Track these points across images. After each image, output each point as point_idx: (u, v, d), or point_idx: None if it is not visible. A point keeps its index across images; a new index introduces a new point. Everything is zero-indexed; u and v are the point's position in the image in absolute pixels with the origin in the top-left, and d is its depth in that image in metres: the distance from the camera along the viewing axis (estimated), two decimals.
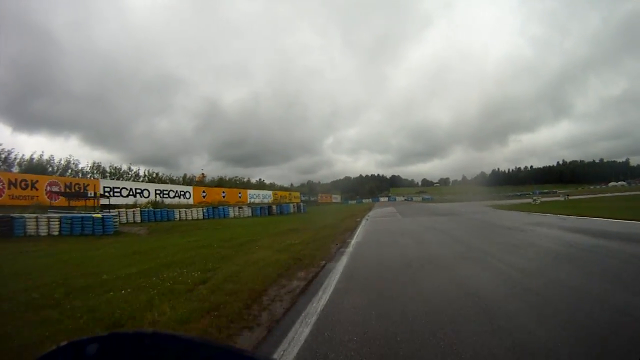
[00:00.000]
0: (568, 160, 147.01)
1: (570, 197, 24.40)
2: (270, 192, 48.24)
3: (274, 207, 27.78)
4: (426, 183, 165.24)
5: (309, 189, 79.36)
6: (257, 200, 41.63)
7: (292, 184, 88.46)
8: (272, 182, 62.28)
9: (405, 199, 68.89)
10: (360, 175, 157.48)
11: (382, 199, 74.53)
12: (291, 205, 28.58)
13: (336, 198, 70.42)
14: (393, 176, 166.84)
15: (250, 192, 43.35)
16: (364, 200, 74.20)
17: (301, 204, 29.37)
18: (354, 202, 72.94)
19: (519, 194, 64.03)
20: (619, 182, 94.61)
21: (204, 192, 34.66)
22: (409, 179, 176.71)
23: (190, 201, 31.57)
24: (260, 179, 59.78)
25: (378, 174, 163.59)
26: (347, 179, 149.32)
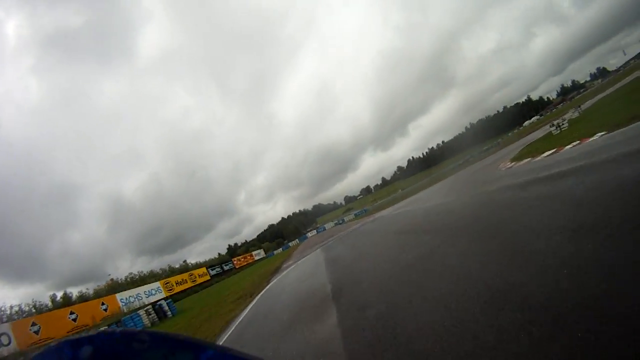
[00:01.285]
0: (474, 121, 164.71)
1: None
2: (157, 285, 34.15)
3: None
4: (349, 199, 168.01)
5: (229, 254, 78.53)
6: (137, 303, 27.70)
7: (219, 254, 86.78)
8: (198, 261, 60.25)
9: (337, 223, 60.97)
10: (282, 217, 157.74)
11: (310, 234, 65.03)
12: (142, 313, 16.26)
13: (259, 254, 58.55)
14: (315, 206, 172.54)
15: (122, 295, 28.86)
16: (290, 244, 63.68)
17: (164, 302, 17.13)
18: (280, 249, 61.73)
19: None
20: (533, 118, 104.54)
21: (33, 324, 19.56)
22: (331, 202, 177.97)
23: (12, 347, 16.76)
24: (185, 261, 57.15)
25: (300, 210, 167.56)
26: (271, 226, 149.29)
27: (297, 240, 67.64)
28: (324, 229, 64.56)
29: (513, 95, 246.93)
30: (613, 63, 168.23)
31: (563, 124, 19.72)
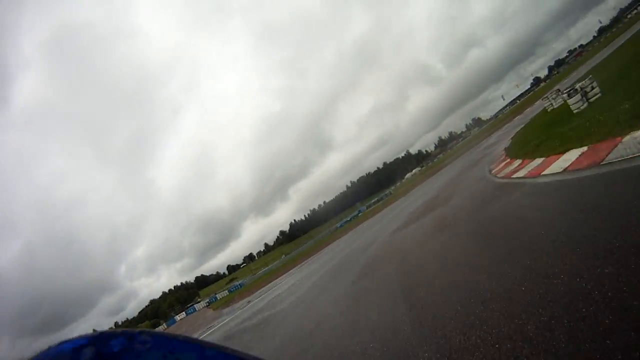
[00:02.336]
0: (355, 180, 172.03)
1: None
2: None
3: None
4: (232, 269, 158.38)
5: None
6: None
7: None
8: None
9: (208, 302, 46.07)
10: (163, 292, 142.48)
11: (178, 318, 46.58)
12: None
13: None
14: (197, 277, 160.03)
15: None
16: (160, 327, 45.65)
17: None
18: None
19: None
20: (414, 170, 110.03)
21: None
22: (214, 272, 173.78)
23: None
24: None
25: (182, 283, 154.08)
26: (153, 302, 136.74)
27: (165, 323, 50.69)
28: (194, 310, 49.69)
29: (392, 152, 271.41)
30: (484, 115, 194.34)
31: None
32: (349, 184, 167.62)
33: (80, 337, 0.41)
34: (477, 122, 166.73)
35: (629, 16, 78.93)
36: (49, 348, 0.40)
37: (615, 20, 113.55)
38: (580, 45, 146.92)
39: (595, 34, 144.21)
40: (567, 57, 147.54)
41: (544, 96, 23.66)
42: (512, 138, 17.90)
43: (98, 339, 0.41)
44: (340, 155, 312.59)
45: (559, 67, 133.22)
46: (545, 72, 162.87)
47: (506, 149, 14.49)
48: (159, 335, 0.43)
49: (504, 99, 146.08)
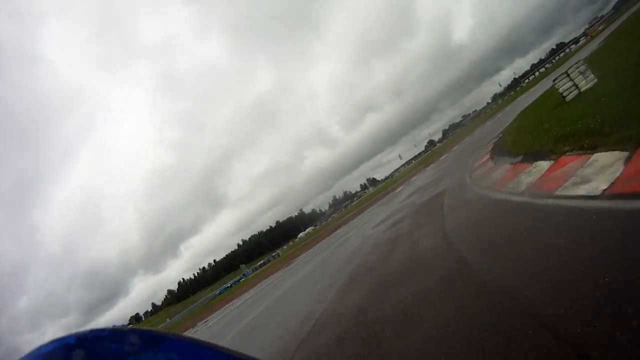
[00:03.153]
0: (246, 238, 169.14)
1: None
2: None
3: None
4: None
5: None
6: None
7: None
8: None
9: None
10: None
11: None
12: None
13: None
14: None
15: None
16: None
17: None
18: None
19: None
20: (307, 229, 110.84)
21: None
22: None
23: None
24: None
25: None
26: None
27: None
28: None
29: (285, 211, 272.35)
30: (379, 175, 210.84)
31: None
32: (241, 242, 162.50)
33: (69, 336, 0.40)
34: (372, 182, 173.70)
35: (526, 81, 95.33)
36: (39, 347, 0.40)
37: (510, 87, 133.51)
38: (474, 111, 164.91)
39: (490, 100, 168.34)
40: (461, 121, 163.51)
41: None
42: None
43: (87, 338, 0.40)
44: (233, 212, 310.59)
45: (454, 130, 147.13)
46: (440, 135, 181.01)
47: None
48: (149, 334, 0.43)
49: (400, 158, 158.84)
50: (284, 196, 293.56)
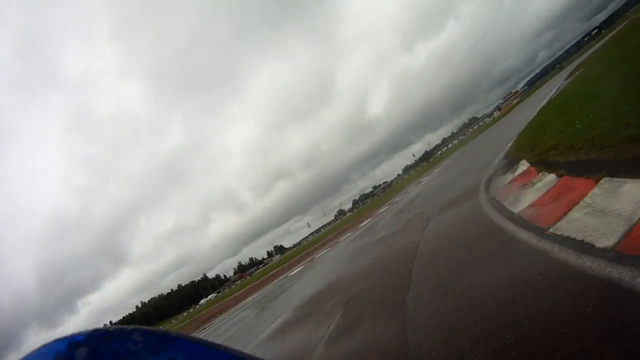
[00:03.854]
0: (146, 300, 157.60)
1: None
2: None
3: None
4: None
5: None
6: None
7: None
8: None
9: None
10: None
11: None
12: None
13: None
14: None
15: None
16: None
17: None
18: None
19: None
20: (210, 295, 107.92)
21: None
22: None
23: None
24: None
25: None
26: None
27: None
28: None
29: (189, 274, 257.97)
30: (287, 243, 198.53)
31: None
32: (140, 304, 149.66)
33: (74, 335, 0.40)
34: (279, 249, 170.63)
35: (438, 152, 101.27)
36: (42, 346, 0.39)
37: (422, 159, 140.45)
38: (385, 182, 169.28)
39: (400, 172, 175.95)
40: (372, 191, 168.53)
41: None
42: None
43: (91, 337, 0.40)
44: (135, 271, 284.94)
45: (364, 201, 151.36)
46: (350, 205, 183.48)
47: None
48: (153, 333, 0.42)
49: (309, 226, 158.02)
50: (189, 258, 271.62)
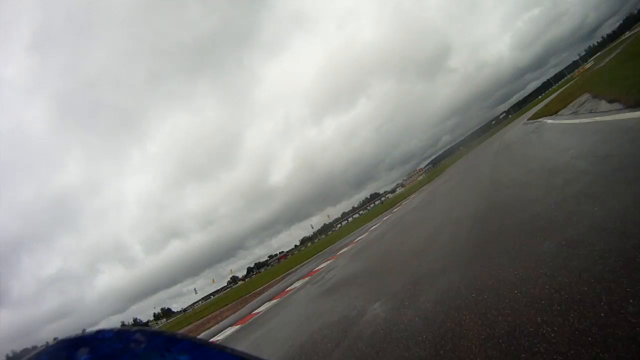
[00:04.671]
0: (17, 350, 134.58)
1: None
2: None
3: None
4: None
5: None
6: None
7: None
8: None
9: None
10: None
11: None
12: None
13: None
14: None
15: None
16: None
17: None
18: None
19: None
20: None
21: None
22: None
23: None
24: None
25: None
26: None
27: None
28: None
29: (70, 327, 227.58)
30: (175, 306, 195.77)
31: None
32: (10, 354, 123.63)
33: (76, 336, 0.41)
34: (166, 312, 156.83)
35: (338, 226, 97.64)
36: (45, 347, 0.40)
37: (320, 232, 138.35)
38: (281, 252, 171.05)
39: (298, 243, 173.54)
40: (267, 260, 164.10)
41: None
42: None
43: (93, 338, 0.41)
44: (13, 314, 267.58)
45: (259, 269, 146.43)
46: (244, 272, 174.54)
47: None
48: (156, 334, 0.42)
49: (196, 292, 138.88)
50: (71, 309, 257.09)
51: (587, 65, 64.21)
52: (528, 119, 26.89)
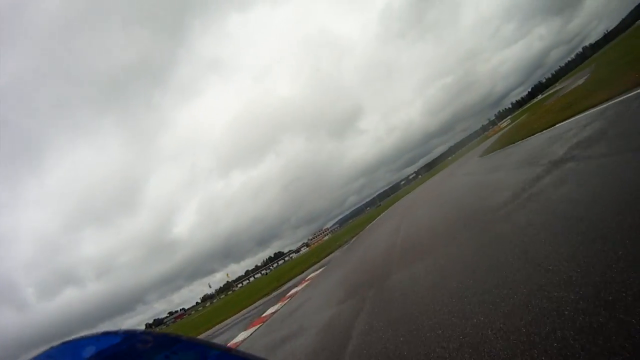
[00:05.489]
0: None
1: None
2: None
3: None
4: None
5: None
6: None
7: None
8: None
9: None
10: None
11: None
12: None
13: None
14: None
15: None
16: None
17: None
18: None
19: None
20: None
21: None
22: None
23: None
24: None
25: None
26: None
27: None
28: None
29: None
30: None
31: None
32: None
33: (82, 338, 0.41)
34: None
35: (239, 285, 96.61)
36: (50, 348, 0.40)
37: (221, 291, 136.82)
38: (182, 309, 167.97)
39: (199, 300, 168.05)
40: (165, 318, 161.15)
41: None
42: None
43: (99, 339, 0.41)
44: None
45: (158, 325, 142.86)
46: (143, 327, 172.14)
47: None
48: (161, 336, 0.43)
49: None
50: None
51: (503, 124, 72.33)
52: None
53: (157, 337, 0.42)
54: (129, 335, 0.42)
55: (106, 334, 0.41)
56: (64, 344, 0.41)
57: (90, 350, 0.40)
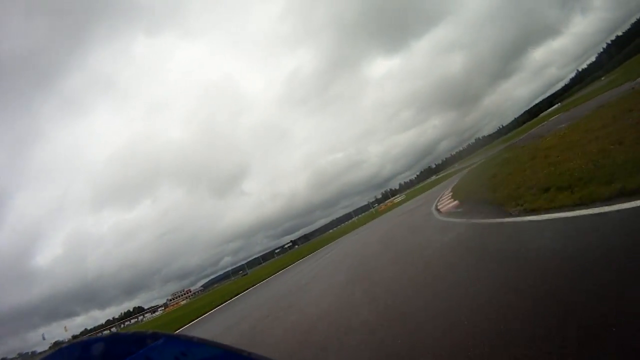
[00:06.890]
0: None
1: None
2: None
3: None
4: None
5: None
6: None
7: None
8: None
9: None
10: None
11: None
12: None
13: None
14: None
15: None
16: None
17: None
18: None
19: None
20: None
21: None
22: None
23: None
24: None
25: None
26: None
27: None
28: None
29: None
30: None
31: None
32: None
33: (92, 339, 0.41)
34: None
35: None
36: (60, 349, 0.41)
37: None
38: (32, 351, 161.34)
39: (52, 344, 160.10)
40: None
41: None
42: None
43: (109, 341, 0.41)
44: None
45: None
46: None
47: None
48: (171, 337, 0.43)
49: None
50: None
51: (398, 199, 77.75)
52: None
53: (166, 338, 0.43)
54: (138, 336, 0.42)
55: (115, 336, 0.42)
56: (73, 344, 0.41)
57: (99, 351, 0.41)
